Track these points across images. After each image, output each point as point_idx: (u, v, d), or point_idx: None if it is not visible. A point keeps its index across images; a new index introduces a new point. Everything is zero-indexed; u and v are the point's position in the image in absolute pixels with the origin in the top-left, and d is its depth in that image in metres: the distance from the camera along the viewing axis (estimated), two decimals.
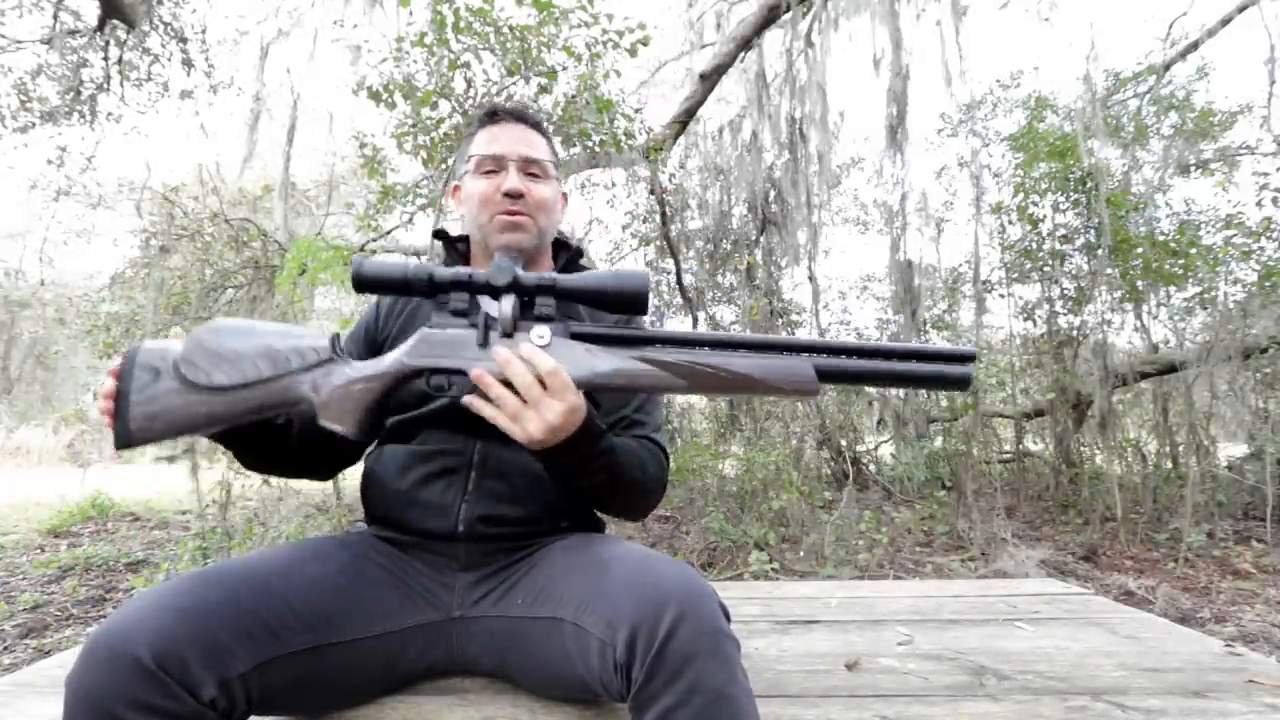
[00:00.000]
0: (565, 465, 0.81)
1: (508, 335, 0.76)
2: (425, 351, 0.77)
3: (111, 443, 0.75)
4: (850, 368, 0.73)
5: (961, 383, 0.72)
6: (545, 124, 1.10)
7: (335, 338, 0.79)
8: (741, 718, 0.64)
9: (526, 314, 0.78)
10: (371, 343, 1.05)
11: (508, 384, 0.74)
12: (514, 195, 0.99)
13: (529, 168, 1.02)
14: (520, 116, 1.06)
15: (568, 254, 1.10)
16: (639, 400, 1.01)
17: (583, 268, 1.12)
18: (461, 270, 0.77)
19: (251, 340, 0.76)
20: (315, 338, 0.78)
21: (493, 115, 1.05)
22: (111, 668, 0.61)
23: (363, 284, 0.77)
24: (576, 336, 0.77)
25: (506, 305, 0.76)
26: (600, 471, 0.84)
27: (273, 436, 0.88)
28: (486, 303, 0.84)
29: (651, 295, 6.08)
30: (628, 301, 0.76)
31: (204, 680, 0.64)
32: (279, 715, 0.76)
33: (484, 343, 0.76)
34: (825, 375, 0.73)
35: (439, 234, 1.10)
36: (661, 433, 1.04)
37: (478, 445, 0.93)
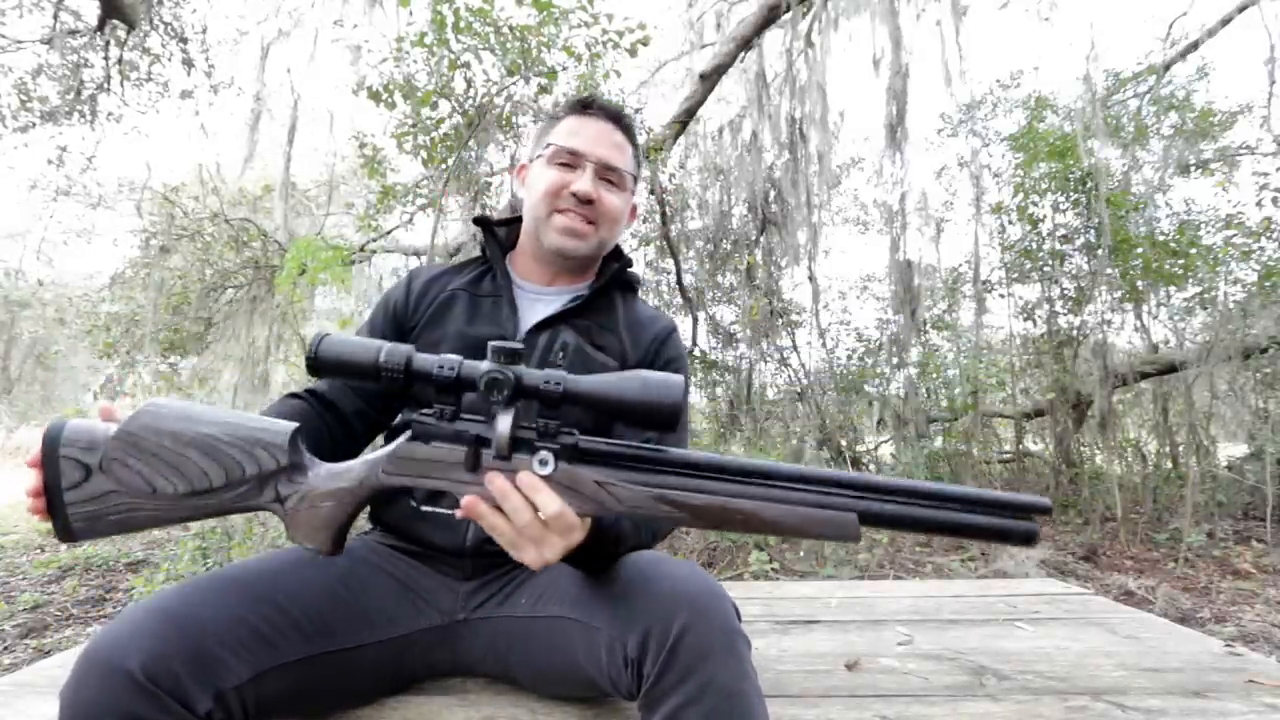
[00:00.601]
0: (574, 564, 0.74)
1: (503, 457, 0.63)
2: (405, 470, 0.65)
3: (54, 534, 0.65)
4: (904, 515, 0.61)
5: (1027, 539, 0.60)
6: (638, 128, 1.04)
7: (295, 433, 0.67)
8: (752, 716, 0.65)
9: (523, 427, 0.64)
10: (399, 326, 0.98)
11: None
12: (583, 199, 0.93)
13: (607, 174, 0.96)
14: (614, 115, 1.00)
15: (613, 268, 1.03)
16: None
17: (629, 282, 1.06)
18: (447, 362, 0.62)
19: (194, 440, 0.63)
20: (272, 434, 0.65)
21: (585, 105, 0.99)
22: (103, 682, 0.60)
23: (320, 367, 0.64)
24: (586, 455, 0.64)
25: (503, 425, 0.62)
26: (607, 562, 0.77)
27: None
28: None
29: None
30: (656, 419, 0.62)
31: (198, 693, 0.62)
32: (280, 718, 0.75)
33: (475, 466, 0.64)
34: (870, 522, 0.62)
35: (480, 220, 1.04)
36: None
37: None
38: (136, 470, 0.63)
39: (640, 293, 1.11)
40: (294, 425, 0.67)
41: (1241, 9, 5.24)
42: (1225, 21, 5.41)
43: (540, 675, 0.84)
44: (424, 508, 0.71)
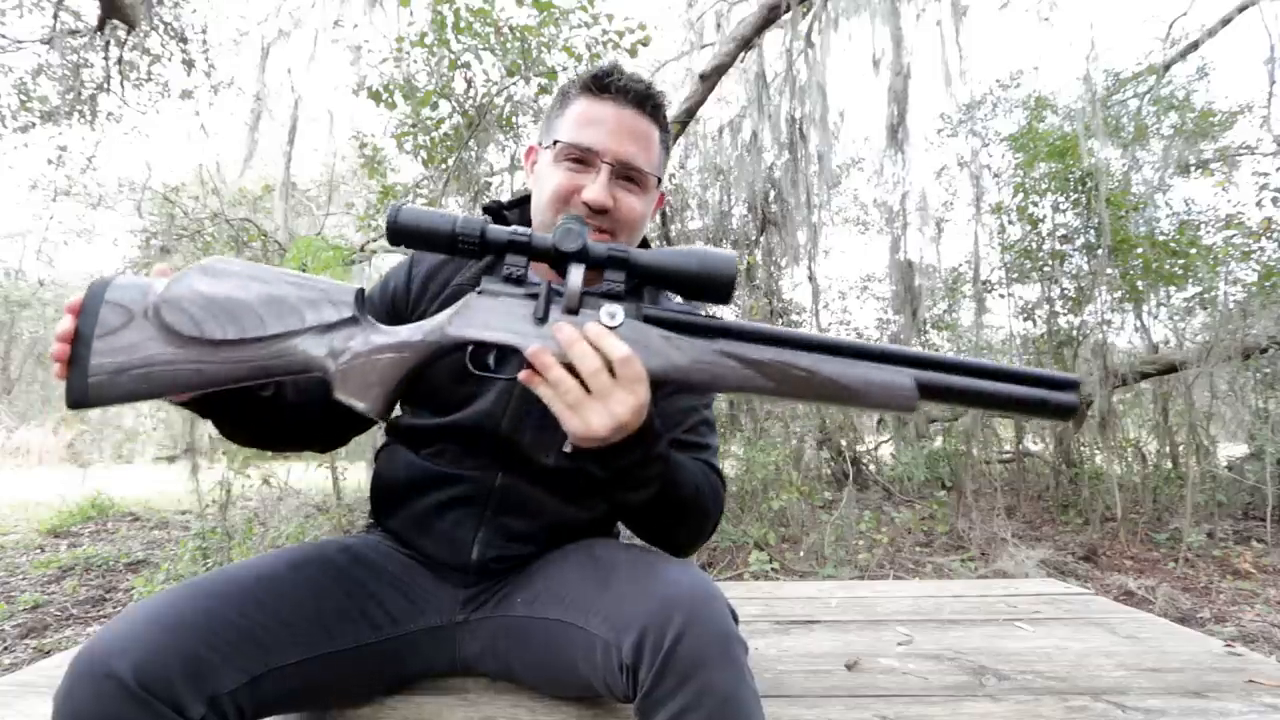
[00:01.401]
0: (618, 468, 0.69)
1: (571, 311, 0.64)
2: (472, 320, 0.64)
3: (65, 400, 0.60)
4: (955, 384, 0.63)
5: (1067, 411, 0.63)
6: (665, 106, 0.88)
7: (360, 293, 0.66)
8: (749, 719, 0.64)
9: (593, 289, 0.65)
10: (393, 308, 0.91)
11: (570, 367, 0.62)
12: (596, 209, 0.81)
13: (626, 171, 0.83)
14: (638, 97, 0.84)
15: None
16: (695, 419, 0.89)
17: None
18: (520, 230, 0.65)
19: (256, 286, 0.62)
20: (337, 290, 0.65)
21: (602, 84, 0.83)
22: (95, 689, 0.59)
23: (399, 234, 0.63)
24: (650, 320, 0.65)
25: (574, 275, 0.63)
26: (654, 481, 0.73)
27: (257, 402, 0.76)
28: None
29: None
30: (712, 288, 0.64)
31: (191, 699, 0.62)
32: (278, 715, 0.75)
33: (543, 317, 0.64)
34: (927, 392, 0.63)
35: (489, 208, 0.94)
36: (719, 457, 0.91)
37: (499, 476, 0.86)
38: (189, 313, 0.60)
39: None
40: (358, 286, 0.67)
41: (1241, 9, 5.24)
42: (1225, 21, 5.41)
43: (538, 676, 0.84)
44: (476, 359, 0.67)
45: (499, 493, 0.86)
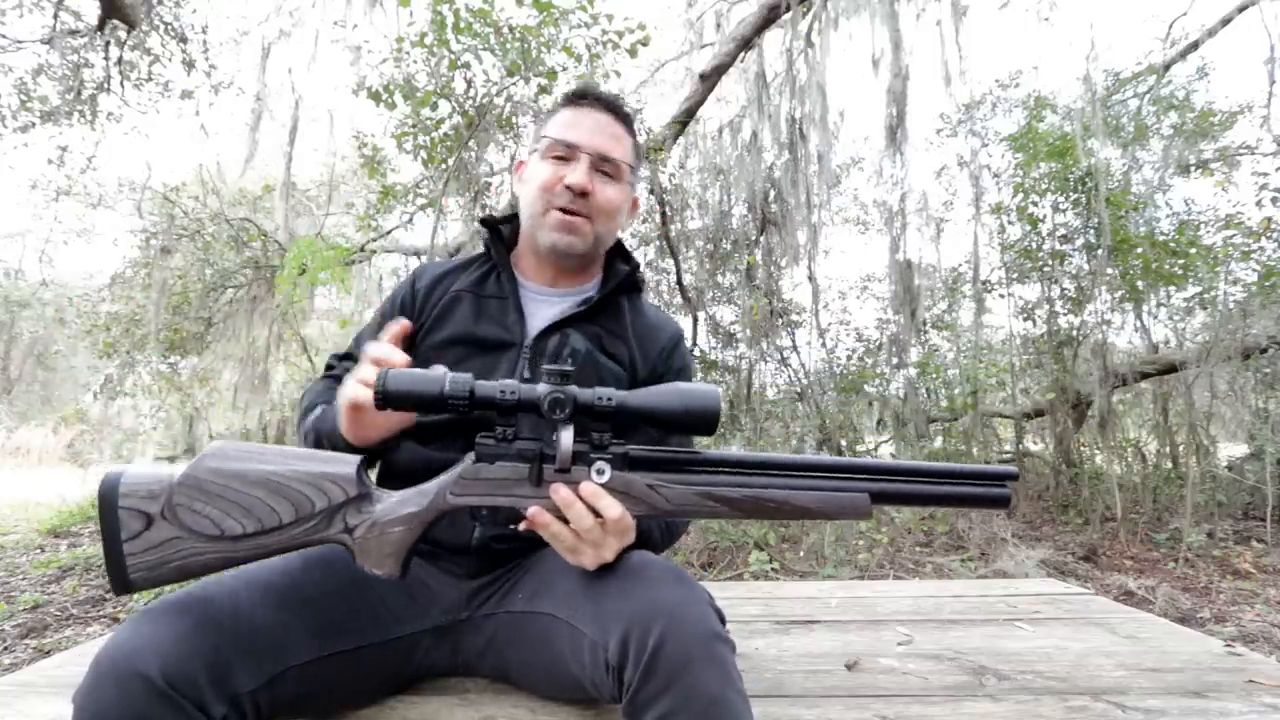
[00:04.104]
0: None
1: (564, 470, 0.68)
2: (472, 490, 0.69)
3: (110, 584, 0.65)
4: (903, 490, 0.72)
5: (1001, 502, 0.71)
6: (636, 119, 1.04)
7: (360, 467, 0.70)
8: None
9: (582, 443, 0.70)
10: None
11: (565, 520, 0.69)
12: (578, 191, 0.91)
13: (603, 165, 0.93)
14: (610, 106, 0.97)
15: (619, 276, 1.01)
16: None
17: (636, 284, 1.03)
18: (508, 388, 0.66)
19: (263, 478, 0.66)
20: (339, 467, 0.68)
21: (580, 96, 0.97)
22: (121, 687, 0.60)
23: (389, 399, 0.66)
24: (636, 463, 0.70)
25: (565, 440, 0.67)
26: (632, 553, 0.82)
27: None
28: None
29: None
30: (697, 426, 0.69)
31: (214, 699, 0.63)
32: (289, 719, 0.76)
33: (539, 481, 0.69)
34: (879, 499, 0.72)
35: (485, 221, 1.02)
36: None
37: None
38: (204, 514, 0.64)
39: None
40: (359, 458, 0.70)
41: (1241, 9, 5.25)
42: (1225, 21, 5.41)
43: (532, 674, 0.84)
44: (484, 525, 0.75)
45: None
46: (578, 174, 0.90)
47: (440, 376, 0.67)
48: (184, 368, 5.50)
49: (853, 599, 1.43)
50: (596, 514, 0.68)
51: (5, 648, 2.67)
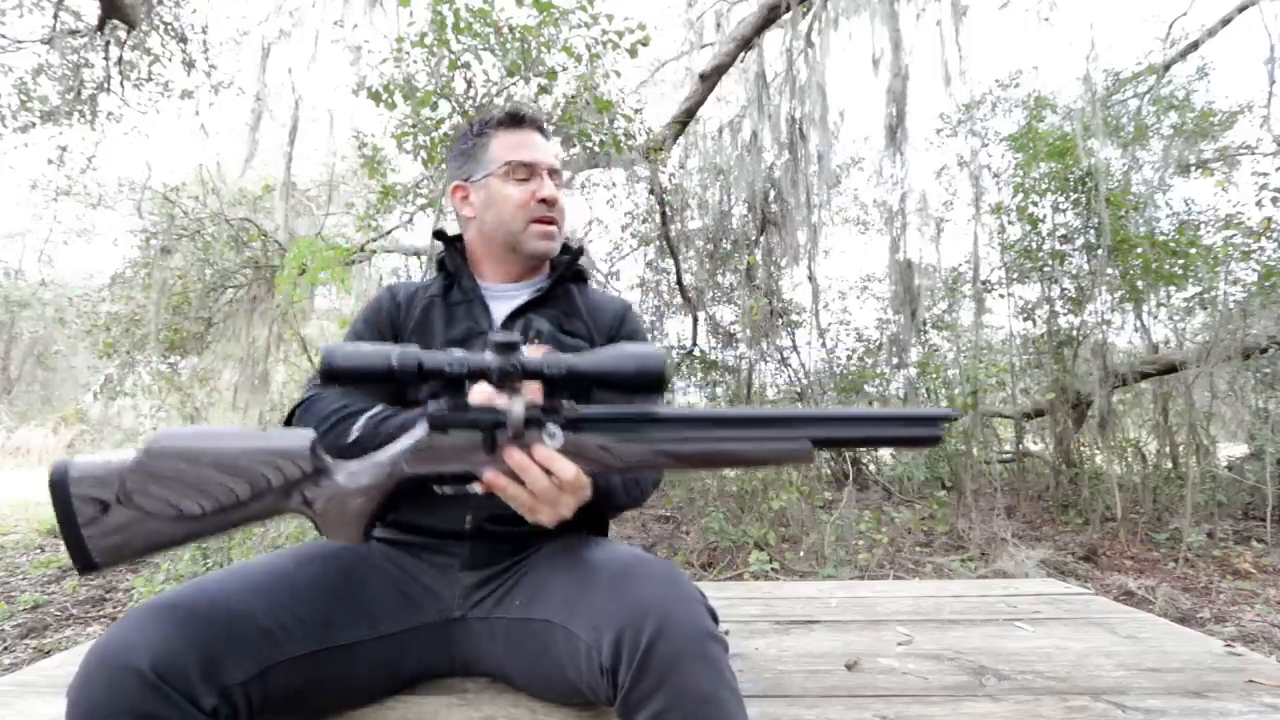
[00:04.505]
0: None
1: (517, 436, 0.69)
2: (428, 459, 0.70)
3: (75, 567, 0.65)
4: (841, 436, 0.74)
5: (932, 441, 0.74)
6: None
7: (315, 441, 0.70)
8: (728, 718, 0.64)
9: (533, 409, 0.71)
10: (391, 327, 1.04)
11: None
12: (551, 202, 1.01)
13: (557, 179, 1.04)
14: (540, 126, 1.07)
15: (564, 264, 1.09)
16: None
17: (579, 273, 1.11)
18: (456, 359, 0.67)
19: (215, 459, 0.66)
20: (293, 443, 0.68)
21: (518, 120, 1.04)
22: (112, 680, 0.61)
23: (336, 375, 0.65)
24: (585, 422, 0.72)
25: (517, 408, 0.69)
26: (596, 511, 0.86)
27: None
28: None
29: (651, 295, 6.05)
30: (646, 385, 0.70)
31: (205, 690, 0.64)
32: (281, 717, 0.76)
33: (491, 447, 0.70)
34: (820, 444, 0.74)
35: (439, 234, 1.11)
36: None
37: None
38: (160, 497, 0.64)
39: (592, 282, 1.19)
40: (312, 434, 0.71)
41: (1241, 9, 5.24)
42: (1225, 21, 5.41)
43: (531, 678, 0.84)
44: (446, 489, 0.74)
45: None
46: (549, 188, 1.01)
47: (388, 350, 0.66)
48: (184, 368, 5.50)
49: (853, 599, 1.43)
50: (551, 475, 0.69)
51: (5, 648, 2.67)
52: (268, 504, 0.67)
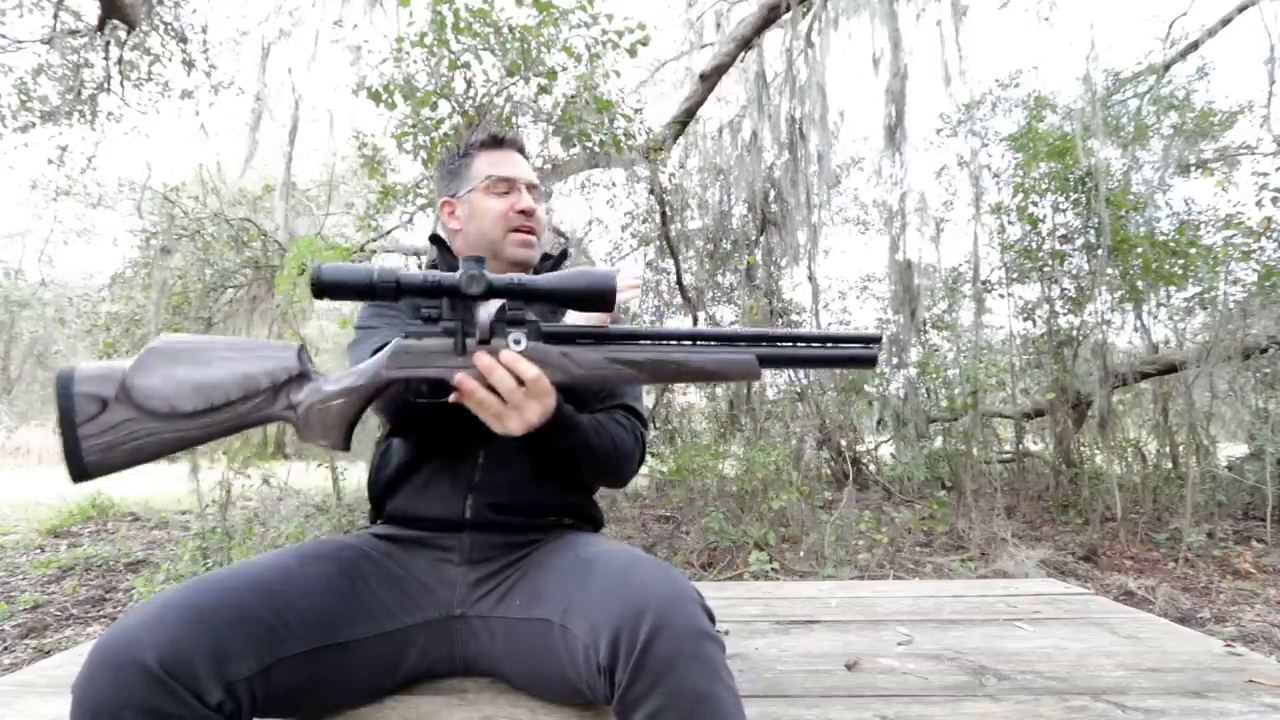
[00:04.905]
0: (541, 446, 0.87)
1: (484, 341, 0.76)
2: (404, 362, 0.76)
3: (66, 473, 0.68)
4: (785, 354, 0.80)
5: (870, 361, 0.81)
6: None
7: (301, 348, 0.76)
8: (724, 718, 0.65)
9: (499, 317, 0.78)
10: (397, 315, 1.09)
11: (490, 386, 0.76)
12: (528, 213, 1.08)
13: (534, 192, 1.11)
14: (520, 146, 1.15)
15: (549, 264, 1.17)
16: None
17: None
18: (430, 275, 0.75)
19: (211, 362, 0.71)
20: (281, 351, 0.75)
21: (499, 141, 1.13)
22: (118, 674, 0.61)
23: (323, 289, 0.73)
24: (548, 337, 0.79)
25: (483, 313, 0.77)
26: (574, 448, 0.90)
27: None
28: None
29: (651, 295, 6.06)
30: (596, 300, 0.77)
31: (210, 685, 0.64)
32: (284, 718, 0.76)
33: (462, 350, 0.76)
34: (765, 362, 0.79)
35: (435, 238, 1.14)
36: (639, 400, 1.10)
37: (482, 441, 0.95)
38: (156, 393, 0.68)
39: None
40: (299, 343, 0.78)
41: (1241, 9, 5.25)
42: (1225, 21, 5.41)
43: (530, 678, 0.85)
44: (420, 400, 0.80)
45: (486, 450, 0.96)
46: (526, 200, 1.07)
47: (369, 268, 0.73)
48: None
49: (853, 599, 1.43)
50: (517, 380, 0.75)
51: (5, 648, 2.67)
52: (256, 405, 0.72)
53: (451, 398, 0.77)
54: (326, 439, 0.75)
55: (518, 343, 0.77)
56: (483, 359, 0.75)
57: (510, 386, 0.75)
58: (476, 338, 0.76)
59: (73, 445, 0.66)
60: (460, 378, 0.75)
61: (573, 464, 0.93)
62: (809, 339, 0.80)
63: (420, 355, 0.76)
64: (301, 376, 0.74)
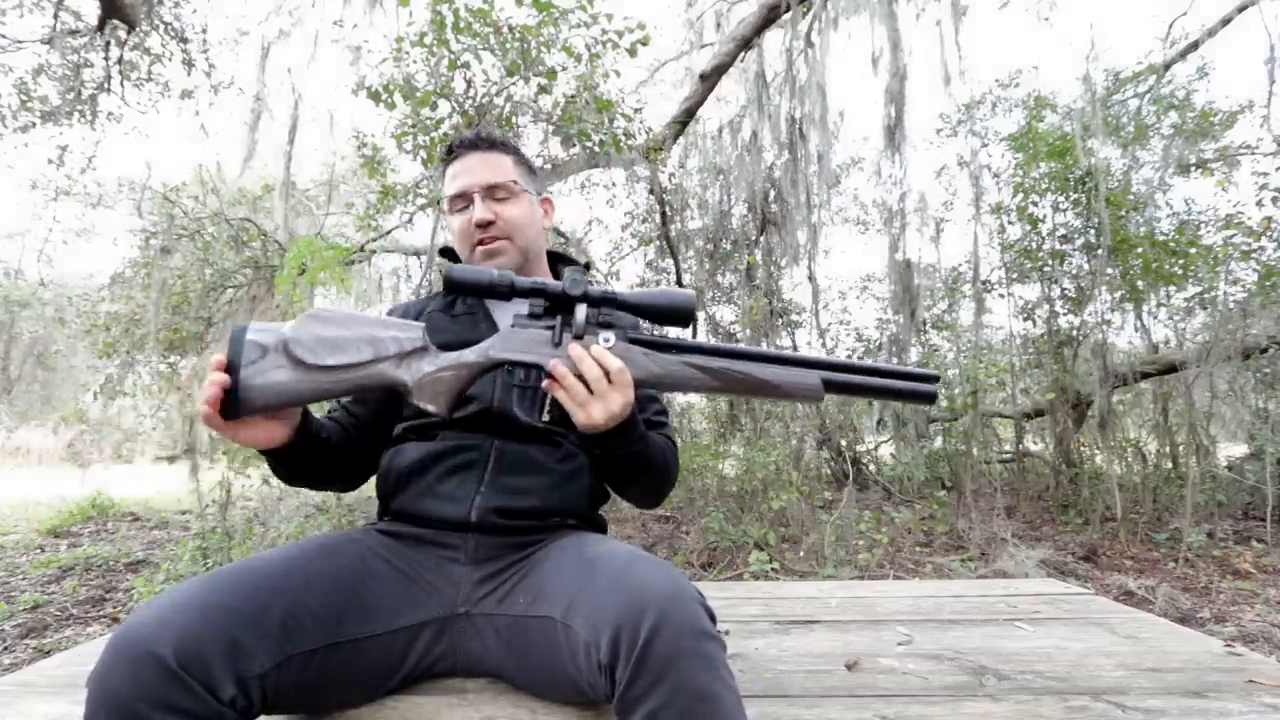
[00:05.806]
0: (612, 444, 0.92)
1: (578, 337, 0.87)
2: (510, 347, 0.88)
3: (210, 416, 0.79)
4: (849, 381, 0.88)
5: (930, 398, 0.89)
6: (508, 139, 1.18)
7: (424, 327, 0.89)
8: (725, 716, 0.65)
9: (591, 320, 0.89)
10: (418, 317, 1.13)
11: (579, 376, 0.85)
12: (484, 225, 1.08)
13: (494, 193, 1.09)
14: (475, 143, 1.13)
15: (561, 269, 1.18)
16: (654, 406, 1.13)
17: None
18: (538, 280, 0.88)
19: (355, 328, 0.85)
20: (410, 327, 0.87)
21: (450, 152, 1.14)
22: (135, 667, 0.62)
23: (453, 287, 0.87)
24: (633, 341, 0.89)
25: (580, 313, 0.87)
26: (637, 455, 0.95)
27: (320, 449, 0.96)
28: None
29: None
30: (676, 317, 0.88)
31: (224, 680, 0.65)
32: (289, 714, 0.76)
33: (558, 343, 0.87)
34: (829, 386, 0.88)
35: (445, 251, 1.18)
36: (671, 431, 1.15)
37: (494, 442, 0.99)
38: (309, 345, 0.82)
39: None
40: (423, 324, 0.89)
41: (1241, 9, 5.24)
42: (1225, 21, 5.41)
43: (533, 676, 0.85)
44: (519, 379, 0.90)
45: (495, 454, 0.98)
46: (478, 212, 1.08)
47: (490, 272, 0.87)
48: (184, 368, 5.49)
49: (853, 599, 1.43)
50: (604, 372, 0.84)
51: (5, 648, 2.67)
52: (383, 369, 0.84)
53: (545, 384, 0.86)
54: (435, 404, 0.85)
55: (607, 341, 0.87)
56: (575, 349, 0.85)
57: (597, 375, 0.83)
58: (572, 332, 0.87)
59: (234, 384, 0.79)
60: (554, 364, 0.84)
61: (627, 472, 0.97)
62: (872, 371, 0.88)
63: (524, 342, 0.87)
64: (424, 349, 0.86)
